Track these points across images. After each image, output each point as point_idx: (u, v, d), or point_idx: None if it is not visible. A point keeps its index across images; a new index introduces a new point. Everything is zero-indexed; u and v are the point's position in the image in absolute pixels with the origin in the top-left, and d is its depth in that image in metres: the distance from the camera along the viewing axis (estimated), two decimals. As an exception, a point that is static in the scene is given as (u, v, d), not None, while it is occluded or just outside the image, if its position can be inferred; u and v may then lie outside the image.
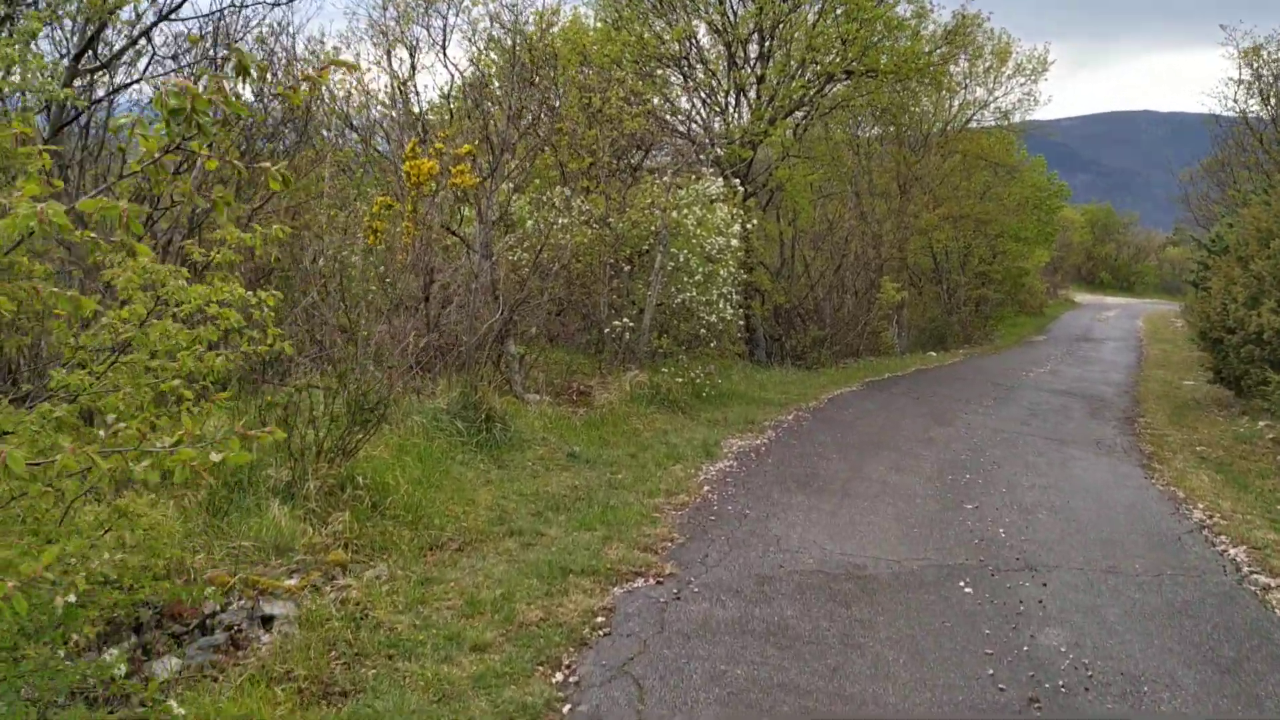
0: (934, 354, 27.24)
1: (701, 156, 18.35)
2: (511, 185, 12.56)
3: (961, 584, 7.00)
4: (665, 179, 13.96)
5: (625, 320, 13.33)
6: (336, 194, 12.78)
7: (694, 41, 18.96)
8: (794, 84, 17.58)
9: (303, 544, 7.24)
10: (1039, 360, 26.73)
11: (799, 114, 19.48)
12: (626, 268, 14.09)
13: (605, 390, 13.04)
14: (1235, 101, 26.76)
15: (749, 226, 15.12)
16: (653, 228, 13.79)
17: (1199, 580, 7.46)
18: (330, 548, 7.32)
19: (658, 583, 6.65)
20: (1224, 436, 15.04)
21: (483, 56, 12.25)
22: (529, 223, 12.95)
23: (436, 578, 6.65)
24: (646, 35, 18.47)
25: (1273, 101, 21.48)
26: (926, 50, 18.54)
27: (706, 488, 9.31)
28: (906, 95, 21.21)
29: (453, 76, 13.08)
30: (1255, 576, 7.67)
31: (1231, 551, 8.39)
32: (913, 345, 28.47)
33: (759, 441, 11.80)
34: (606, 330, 13.53)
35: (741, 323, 15.59)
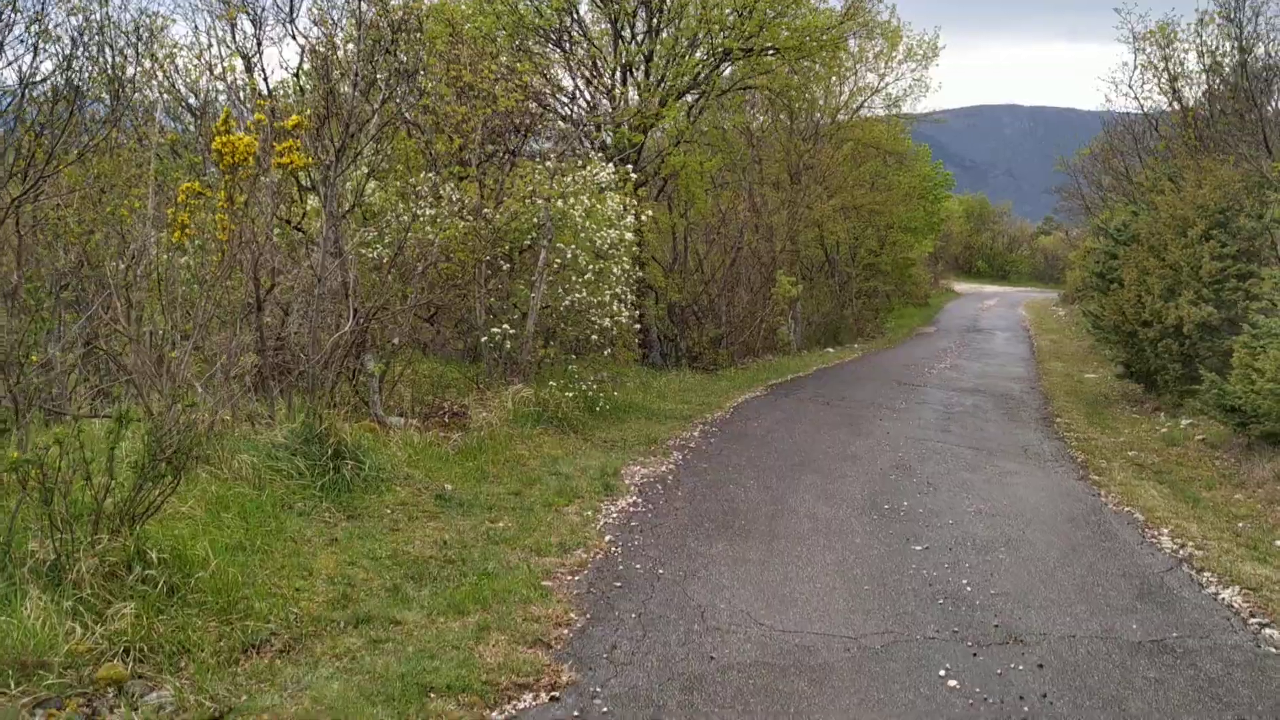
0: (831, 350, 26.14)
1: (588, 142, 16.62)
2: (366, 170, 10.61)
3: (941, 672, 5.46)
4: (549, 164, 12.20)
5: (505, 326, 11.53)
6: (157, 179, 10.67)
7: (575, 15, 17.20)
8: (686, 62, 15.99)
9: (65, 653, 5.28)
10: (936, 354, 25.93)
11: (690, 96, 17.92)
12: (506, 266, 12.27)
13: (484, 409, 11.21)
14: (1130, 89, 26.27)
15: (643, 218, 13.47)
16: (535, 220, 12.01)
17: (1210, 644, 6.11)
18: (103, 657, 5.37)
19: (551, 699, 4.91)
20: (1150, 439, 14.09)
21: (327, 18, 10.27)
22: (389, 215, 11.01)
23: (243, 707, 4.78)
24: (522, 7, 16.64)
25: (1182, 86, 21.02)
26: (826, 25, 17.17)
27: (608, 537, 7.60)
28: (803, 77, 19.92)
29: (302, 51, 10.97)
30: (1268, 632, 6.38)
31: (1224, 595, 7.12)
32: (808, 340, 27.32)
33: (664, 468, 10.15)
34: (484, 339, 11.69)
35: (636, 324, 13.92)
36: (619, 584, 6.59)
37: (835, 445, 12.03)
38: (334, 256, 9.87)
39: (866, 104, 29.93)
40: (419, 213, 11.39)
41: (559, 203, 11.87)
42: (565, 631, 5.73)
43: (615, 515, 8.23)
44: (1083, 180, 44.15)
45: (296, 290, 9.71)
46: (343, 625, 5.77)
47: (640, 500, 8.77)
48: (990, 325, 37.77)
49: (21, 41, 8.16)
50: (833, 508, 8.94)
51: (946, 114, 33.77)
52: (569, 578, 6.67)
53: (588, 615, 6.00)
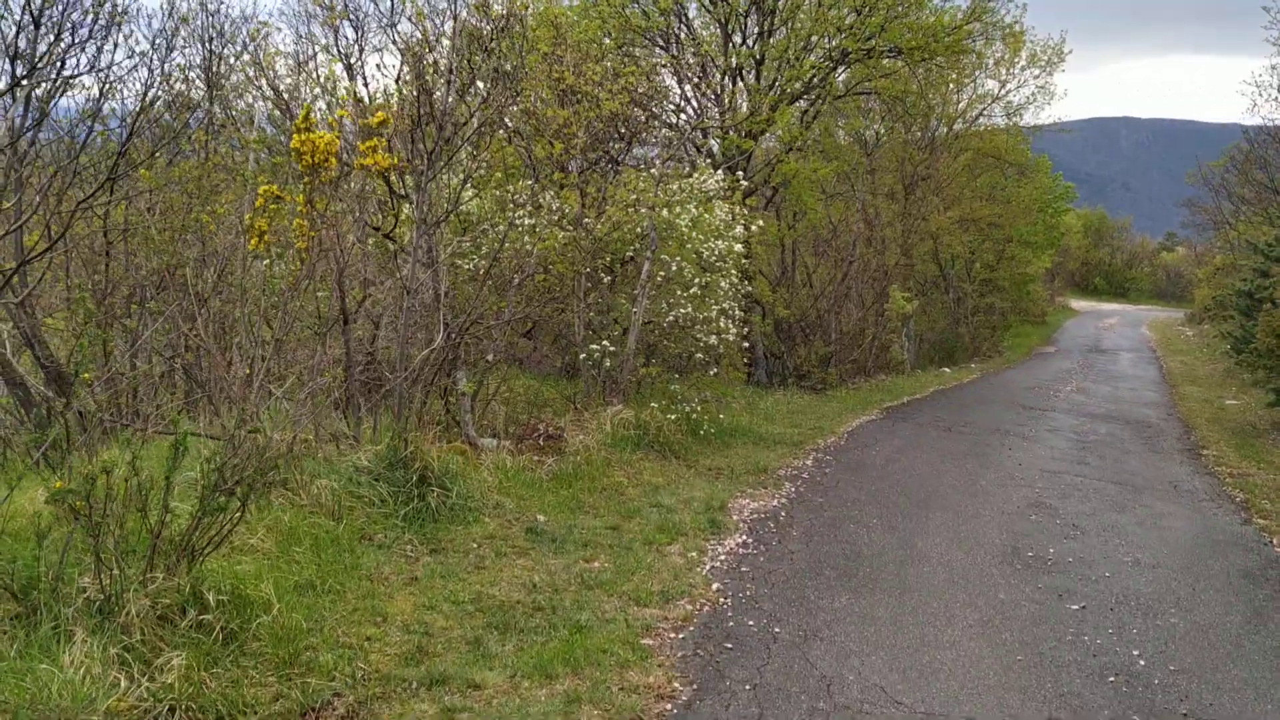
0: (947, 370, 24.81)
1: (694, 149, 15.84)
2: (463, 177, 10.00)
3: (1128, 780, 4.47)
4: (654, 170, 11.44)
5: (605, 343, 10.78)
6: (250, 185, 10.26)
7: (684, 17, 16.45)
8: (800, 65, 15.08)
9: (104, 711, 4.68)
10: (1060, 377, 24.39)
11: (803, 102, 16.98)
12: (606, 278, 11.55)
13: (581, 431, 10.48)
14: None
15: (753, 229, 12.60)
16: (638, 230, 11.26)
17: None
18: (146, 718, 4.76)
19: (653, 801, 4.10)
20: (1316, 476, 12.63)
21: (424, 15, 9.68)
22: (485, 224, 10.38)
23: (292, 793, 4.08)
24: (629, 10, 15.96)
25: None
26: (951, 24, 16.05)
27: (716, 585, 6.74)
28: (923, 81, 18.82)
29: (402, 55, 10.39)
30: None
31: None
32: (921, 359, 26.02)
33: (776, 502, 9.25)
34: (582, 356, 10.97)
35: (743, 341, 13.05)
36: (730, 645, 5.73)
37: (963, 478, 10.95)
38: (426, 267, 9.27)
39: (985, 112, 28.48)
40: (517, 221, 10.74)
41: (664, 211, 11.10)
42: (668, 707, 4.89)
43: (723, 558, 7.37)
44: (1214, 194, 41.72)
45: (386, 302, 9.12)
46: (415, 686, 5.04)
47: (751, 540, 7.89)
48: (1114, 345, 35.76)
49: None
50: (968, 554, 7.93)
51: (1061, 126, 31.99)
52: (672, 635, 5.84)
53: (694, 685, 5.16)
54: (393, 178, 9.31)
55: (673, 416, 10.87)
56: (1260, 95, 27.56)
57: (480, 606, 6.11)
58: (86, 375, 6.25)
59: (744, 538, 7.94)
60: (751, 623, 6.09)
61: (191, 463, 6.16)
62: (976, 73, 27.31)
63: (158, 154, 10.03)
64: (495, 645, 5.57)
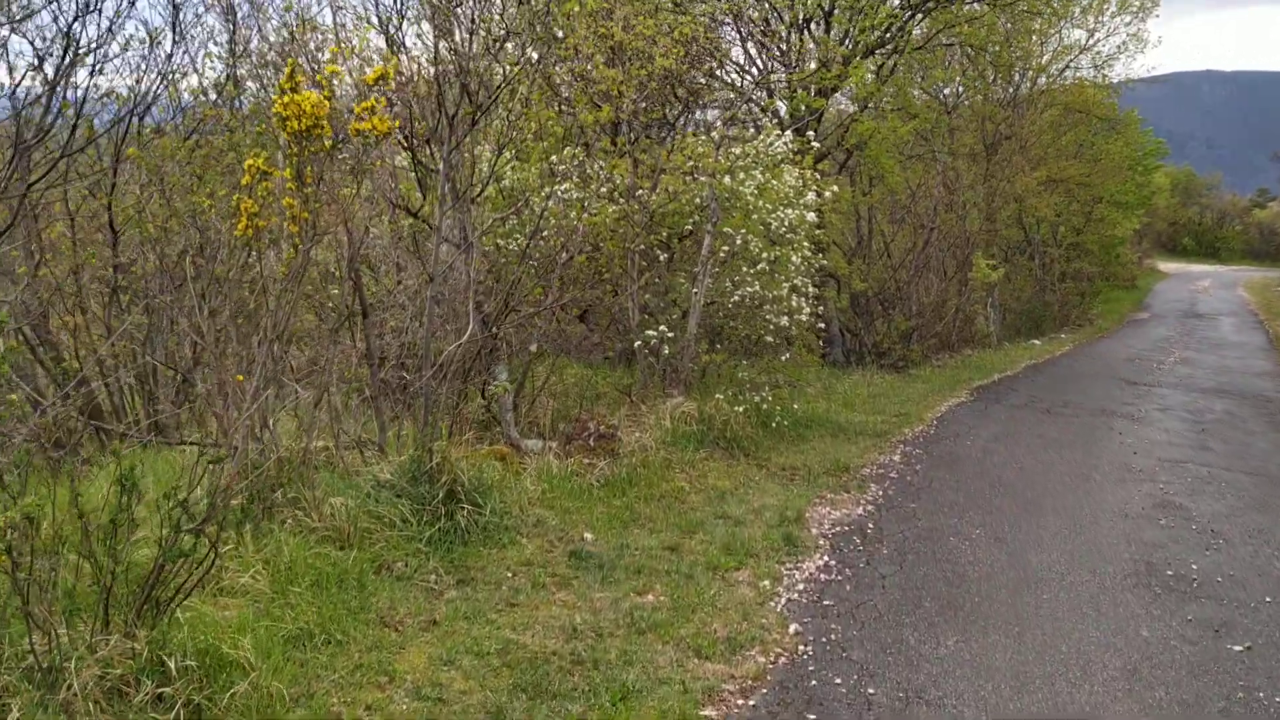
0: (1037, 342, 23.18)
1: (760, 110, 14.53)
2: (498, 145, 8.90)
3: None
4: (714, 134, 10.23)
5: (663, 328, 9.63)
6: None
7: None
8: (876, 13, 13.63)
9: (26, 821, 3.74)
10: (1159, 346, 22.66)
11: (879, 55, 15.52)
12: (663, 256, 10.38)
13: (637, 427, 9.37)
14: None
15: (826, 195, 11.31)
16: (697, 200, 10.06)
17: None
18: (78, 829, 3.80)
19: None
20: None
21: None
22: (525, 198, 9.27)
23: None
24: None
25: None
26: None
27: (794, 627, 5.58)
28: (1013, 29, 17.20)
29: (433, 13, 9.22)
30: None
31: None
32: (1007, 331, 24.38)
33: (861, 509, 8.03)
34: (637, 343, 9.83)
35: (817, 320, 11.80)
36: (813, 718, 4.58)
37: (1072, 472, 9.62)
38: (458, 249, 8.21)
39: (1072, 64, 26.54)
40: (562, 195, 9.64)
41: (725, 179, 9.87)
42: (735, 817, 3.78)
43: (802, 587, 6.20)
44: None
45: (411, 290, 8.10)
46: (415, 783, 3.99)
47: (834, 561, 6.70)
48: (1211, 310, 33.63)
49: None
50: (1094, 573, 6.66)
51: (1135, 83, 29.76)
52: (740, 702, 4.71)
53: (770, 781, 4.04)
54: (420, 149, 8.26)
55: (740, 408, 9.70)
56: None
57: (508, 660, 5.05)
58: (14, 397, 5.30)
59: (825, 558, 6.76)
60: (839, 680, 4.93)
61: (127, 506, 5.15)
62: (1062, 22, 25.45)
63: (166, 131, 9.13)
64: (522, 715, 4.50)
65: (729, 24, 14.57)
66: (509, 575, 6.20)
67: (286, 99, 5.32)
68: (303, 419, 7.10)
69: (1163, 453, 10.79)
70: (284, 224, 5.64)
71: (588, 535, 7.01)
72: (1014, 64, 22.34)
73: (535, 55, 9.22)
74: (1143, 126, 35.40)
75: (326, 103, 5.30)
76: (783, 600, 5.95)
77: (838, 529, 7.43)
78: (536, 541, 6.76)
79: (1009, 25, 18.34)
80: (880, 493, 8.52)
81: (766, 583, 6.22)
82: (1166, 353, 21.41)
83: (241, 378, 6.05)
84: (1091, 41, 26.00)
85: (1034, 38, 24.13)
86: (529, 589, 6.01)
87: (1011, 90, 24.93)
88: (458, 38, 7.10)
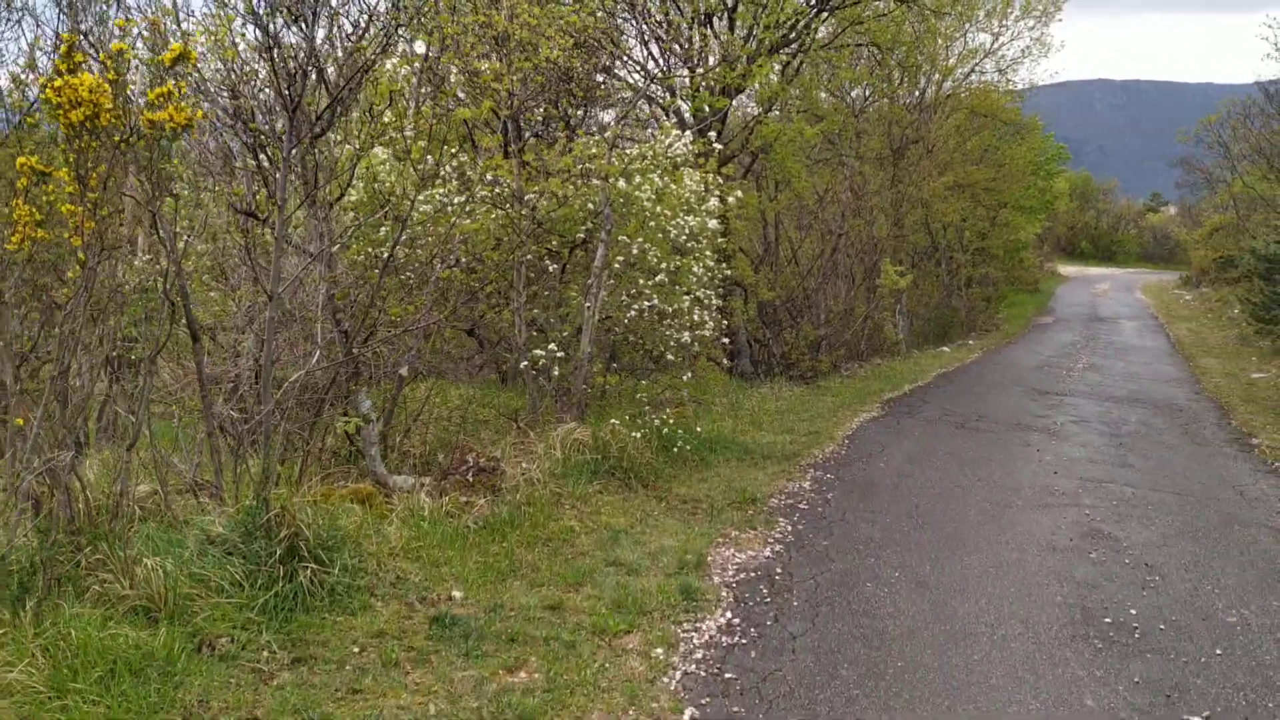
0: (946, 349, 22.86)
1: (661, 109, 13.72)
2: (359, 142, 7.88)
3: None
4: (608, 133, 9.37)
5: (552, 347, 8.72)
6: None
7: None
8: (781, 7, 12.92)
9: None
10: (1066, 352, 22.56)
11: (784, 54, 14.86)
12: (553, 267, 9.48)
13: (524, 457, 8.44)
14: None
15: (730, 201, 10.54)
16: (590, 205, 9.18)
17: None
18: None
19: None
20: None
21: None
22: (395, 200, 8.26)
23: None
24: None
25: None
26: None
27: (690, 713, 4.71)
28: (920, 30, 16.73)
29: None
30: None
31: None
32: (915, 338, 24.06)
33: (769, 550, 7.22)
34: (523, 364, 8.90)
35: (723, 335, 11.02)
36: (710, 847, 3.72)
37: (992, 496, 8.99)
38: (317, 260, 7.19)
39: (977, 68, 26.37)
40: (442, 198, 8.68)
41: (620, 182, 9.01)
42: None
43: (700, 655, 5.34)
44: (1216, 150, 39.90)
45: (259, 307, 7.05)
46: None
47: (738, 619, 5.86)
48: (1113, 313, 34.02)
49: None
50: (1026, 624, 5.95)
51: (1039, 90, 29.94)
52: (622, 826, 3.83)
53: None
54: (266, 146, 7.21)
55: (638, 434, 8.83)
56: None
57: (338, 774, 4.09)
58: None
59: (729, 614, 5.92)
60: (742, 788, 4.08)
61: None
62: (967, 25, 25.27)
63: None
64: None
65: (628, 18, 13.73)
66: (355, 651, 5.22)
67: (60, 83, 4.27)
68: (115, 461, 6.02)
69: (1083, 471, 10.26)
70: (69, 236, 4.58)
71: (456, 594, 6.06)
72: (921, 66, 21.97)
73: (416, 47, 8.27)
74: (1044, 132, 35.67)
75: (106, 86, 4.27)
76: (678, 674, 5.08)
77: (743, 576, 6.61)
78: (394, 605, 5.79)
79: (919, 24, 17.86)
80: (789, 528, 7.73)
81: (660, 651, 5.34)
82: (1074, 359, 21.25)
83: (22, 420, 4.97)
84: (996, 45, 25.86)
85: (940, 40, 23.86)
86: (378, 668, 5.04)
87: (918, 94, 24.63)
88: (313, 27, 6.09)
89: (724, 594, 6.25)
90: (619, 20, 14.15)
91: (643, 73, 14.71)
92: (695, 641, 5.50)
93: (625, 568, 6.65)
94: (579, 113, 10.68)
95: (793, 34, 14.28)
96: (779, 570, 6.74)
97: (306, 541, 5.88)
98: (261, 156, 7.12)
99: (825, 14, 14.54)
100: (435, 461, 8.14)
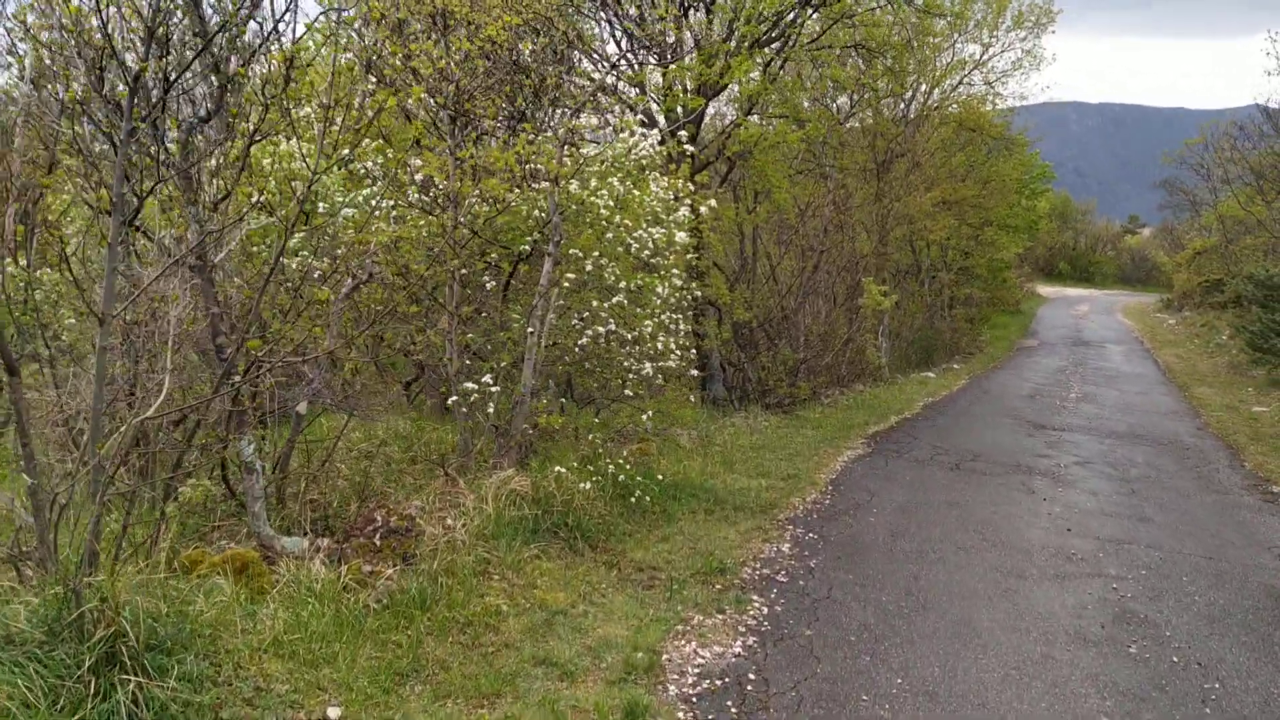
0: (931, 374, 21.63)
1: (628, 109, 12.35)
2: (250, 135, 6.47)
3: None
4: (561, 129, 8.01)
5: (486, 379, 7.33)
6: None
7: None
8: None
9: None
10: (1055, 379, 21.42)
11: (768, 51, 13.54)
12: (491, 283, 8.09)
13: (450, 512, 7.03)
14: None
15: (703, 211, 9.20)
16: (537, 212, 7.81)
17: None
18: None
19: None
20: None
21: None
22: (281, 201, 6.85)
23: None
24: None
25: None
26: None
27: None
28: (909, 34, 15.52)
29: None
30: None
31: None
32: (899, 361, 22.80)
33: (738, 645, 5.82)
34: (452, 400, 7.49)
35: (693, 365, 9.66)
36: None
37: (1002, 564, 7.66)
38: (192, 271, 5.78)
39: (966, 80, 25.21)
40: (359, 201, 7.28)
41: (573, 186, 7.64)
42: None
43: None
44: (1199, 173, 39.20)
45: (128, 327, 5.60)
46: None
47: (698, 758, 4.49)
48: (1097, 337, 33.04)
49: None
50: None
51: (1006, 112, 28.99)
52: None
53: None
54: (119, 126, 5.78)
55: (586, 485, 7.44)
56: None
57: None
58: None
59: (686, 750, 4.54)
60: None
61: None
62: (957, 35, 24.14)
63: None
64: None
65: (595, 7, 12.37)
66: (173, 814, 3.81)
67: None
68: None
69: (1099, 527, 8.97)
70: None
71: (332, 713, 4.65)
72: (909, 71, 20.74)
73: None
74: (1029, 150, 34.69)
75: None
76: None
77: (706, 685, 5.22)
78: (241, 735, 4.37)
79: (911, 26, 16.64)
80: (765, 611, 6.35)
81: (590, 816, 3.96)
82: (1066, 387, 20.09)
83: None
84: (986, 56, 24.72)
85: (931, 44, 22.69)
86: (196, 845, 3.62)
87: (904, 106, 23.43)
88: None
89: (680, 714, 4.86)
90: (585, 10, 12.80)
91: (609, 67, 13.34)
92: (639, 797, 4.12)
93: (558, 669, 5.26)
94: (539, 112, 9.30)
95: (776, 31, 12.96)
96: (752, 675, 5.35)
97: (131, 645, 4.46)
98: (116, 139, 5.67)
99: (811, 9, 13.22)
100: (338, 519, 6.72)
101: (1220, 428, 15.96)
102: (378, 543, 6.39)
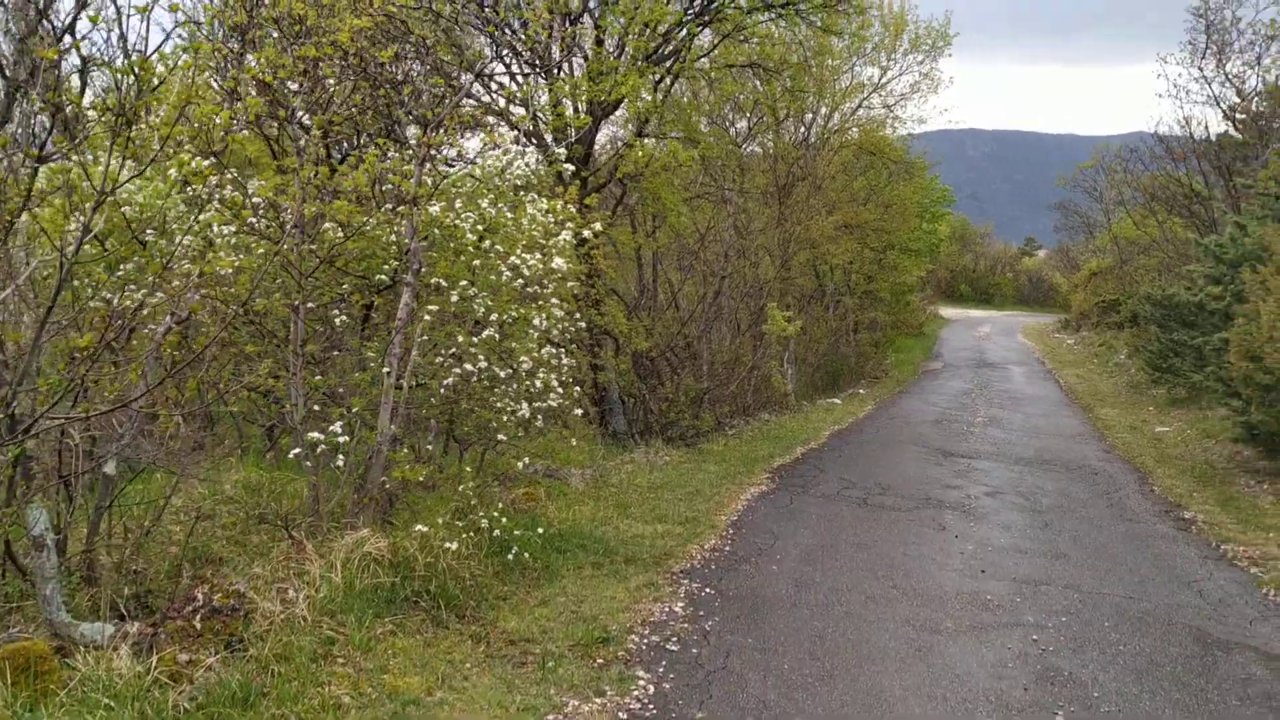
0: (837, 401, 21.20)
1: (513, 129, 11.58)
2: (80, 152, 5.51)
3: None
4: (420, 142, 7.18)
5: (334, 427, 6.44)
6: None
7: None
8: (654, 7, 10.91)
9: None
10: (961, 403, 21.19)
11: (660, 67, 12.91)
12: (341, 318, 7.21)
13: (291, 582, 6.09)
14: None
15: (587, 234, 8.46)
16: (391, 236, 6.97)
17: None
18: None
19: None
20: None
21: None
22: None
23: None
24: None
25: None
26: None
27: None
28: (810, 54, 15.11)
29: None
30: None
31: None
32: (804, 387, 22.36)
33: (620, 737, 5.05)
34: (295, 451, 6.57)
35: (577, 390, 8.87)
36: None
37: (915, 616, 7.02)
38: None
39: (865, 103, 25.09)
40: (197, 230, 6.35)
41: (433, 208, 6.82)
42: None
43: None
44: (1087, 196, 40.19)
45: None
46: None
47: None
48: (1000, 359, 33.23)
49: None
50: None
51: (903, 139, 29.23)
52: None
53: None
54: None
55: (453, 545, 6.57)
56: (1174, 91, 25.12)
57: None
58: None
59: None
60: None
61: None
62: (855, 58, 23.99)
63: None
64: None
65: (472, 17, 11.57)
66: None
67: None
68: None
69: (1014, 567, 8.43)
70: None
71: None
72: (807, 91, 20.39)
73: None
74: (929, 173, 34.90)
75: None
76: None
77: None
78: None
79: (811, 42, 16.24)
80: (652, 690, 5.56)
81: None
82: (971, 411, 19.84)
83: None
84: (884, 79, 24.65)
85: (827, 71, 22.45)
86: None
87: (804, 130, 23.15)
88: None
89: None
90: (468, 25, 12.01)
91: (481, 77, 12.51)
92: None
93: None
94: (396, 127, 8.45)
95: (668, 46, 12.34)
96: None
97: None
98: None
99: (702, 25, 12.61)
100: (154, 598, 5.75)
101: (1126, 450, 15.78)
102: (198, 625, 5.43)
